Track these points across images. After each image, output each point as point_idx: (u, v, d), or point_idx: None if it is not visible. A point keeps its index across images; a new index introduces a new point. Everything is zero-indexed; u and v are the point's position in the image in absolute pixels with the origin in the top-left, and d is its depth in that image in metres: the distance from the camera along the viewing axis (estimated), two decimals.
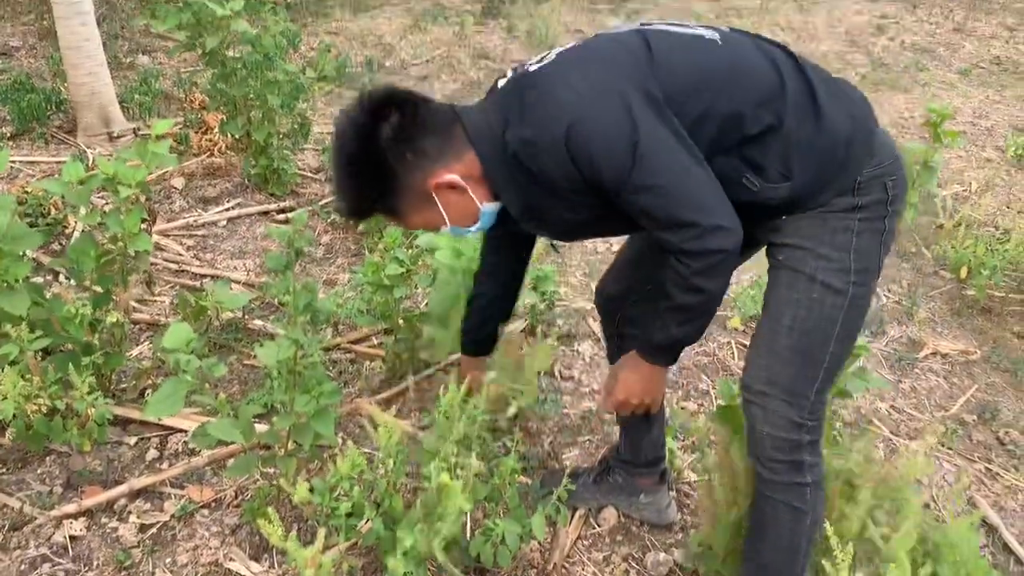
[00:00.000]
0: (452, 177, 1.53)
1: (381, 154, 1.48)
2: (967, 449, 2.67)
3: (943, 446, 2.66)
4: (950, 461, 2.61)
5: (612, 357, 2.13)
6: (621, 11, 7.48)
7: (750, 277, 3.34)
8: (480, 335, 2.10)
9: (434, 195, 1.55)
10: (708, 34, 1.60)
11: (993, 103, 6.07)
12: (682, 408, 2.74)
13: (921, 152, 3.64)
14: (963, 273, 3.57)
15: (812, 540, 1.70)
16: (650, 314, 1.71)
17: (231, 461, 2.25)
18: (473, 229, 1.66)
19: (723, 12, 7.93)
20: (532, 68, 1.55)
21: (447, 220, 1.60)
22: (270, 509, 1.69)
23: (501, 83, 1.62)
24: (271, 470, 2.07)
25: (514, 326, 3.01)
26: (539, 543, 2.14)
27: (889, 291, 3.52)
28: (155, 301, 2.92)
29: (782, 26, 7.72)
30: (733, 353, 3.03)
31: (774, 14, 8.07)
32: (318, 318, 1.86)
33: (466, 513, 1.96)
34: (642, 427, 2.15)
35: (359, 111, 1.50)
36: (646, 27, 1.60)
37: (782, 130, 1.54)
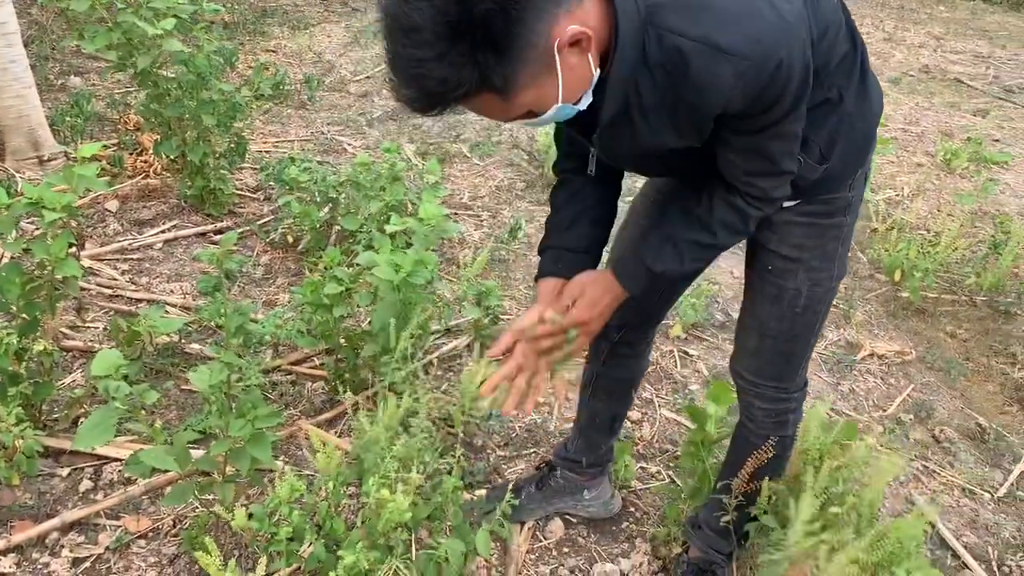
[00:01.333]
0: (579, 28, 1.15)
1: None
2: (904, 448, 2.73)
3: (882, 446, 2.71)
4: (891, 461, 2.66)
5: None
6: None
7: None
8: (563, 242, 1.66)
9: (556, 55, 1.15)
10: None
11: (923, 110, 6.25)
12: (627, 419, 2.74)
13: None
14: (897, 276, 3.66)
15: (778, 468, 1.89)
16: (645, 240, 1.57)
17: (169, 489, 2.19)
18: (582, 105, 1.29)
19: None
20: None
21: (560, 93, 1.21)
22: (208, 538, 1.65)
23: None
24: (210, 497, 2.02)
25: (457, 342, 3.00)
26: (485, 560, 2.13)
27: None
28: (88, 327, 2.84)
29: None
30: (675, 362, 3.06)
31: None
32: (251, 340, 1.82)
33: (410, 532, 1.94)
34: (605, 431, 2.18)
35: None
36: None
37: (841, 105, 1.48)
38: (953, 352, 3.29)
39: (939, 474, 2.64)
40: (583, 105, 1.28)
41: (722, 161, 1.44)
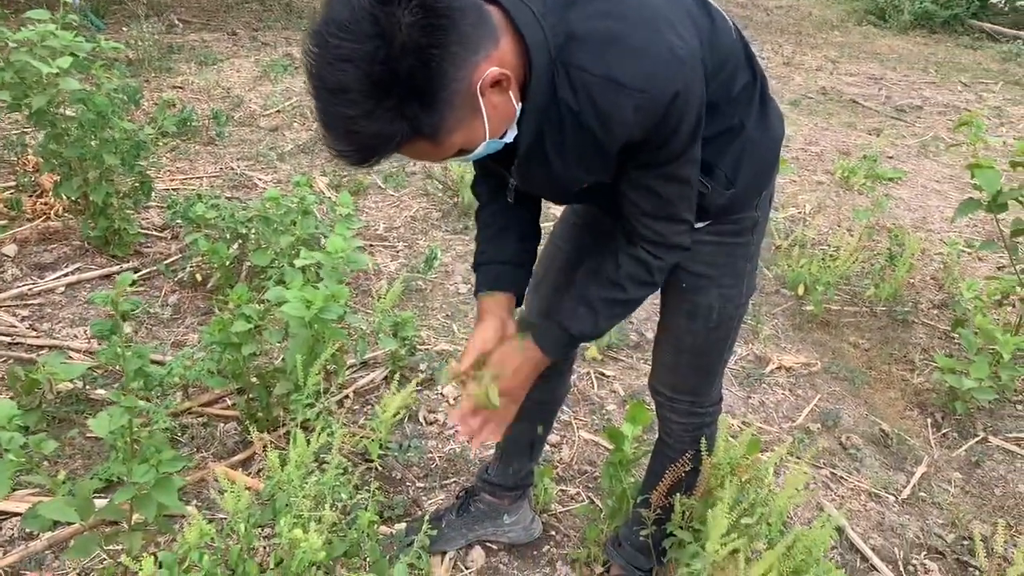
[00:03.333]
0: (499, 70, 1.19)
1: (412, 51, 1.07)
2: (813, 456, 2.82)
3: (791, 455, 2.80)
4: (798, 469, 2.75)
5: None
6: None
7: None
8: (496, 255, 1.70)
9: (479, 98, 1.20)
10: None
11: (822, 130, 6.52)
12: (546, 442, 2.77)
13: None
14: (801, 290, 3.79)
15: (694, 483, 1.92)
16: (561, 301, 1.63)
17: (72, 542, 2.11)
18: (508, 138, 1.34)
19: None
20: None
21: (487, 131, 1.26)
22: None
23: None
24: (117, 547, 1.96)
25: (374, 375, 2.98)
26: None
27: None
28: None
29: None
30: (592, 383, 3.10)
31: None
32: (152, 383, 1.78)
33: (327, 570, 1.91)
34: (525, 454, 2.20)
35: (357, 3, 1.06)
36: None
37: (744, 132, 1.53)
38: (856, 361, 3.42)
39: (846, 480, 2.73)
40: (509, 138, 1.34)
41: (624, 204, 1.49)
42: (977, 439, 3.00)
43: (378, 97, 1.10)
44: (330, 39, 1.08)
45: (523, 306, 1.90)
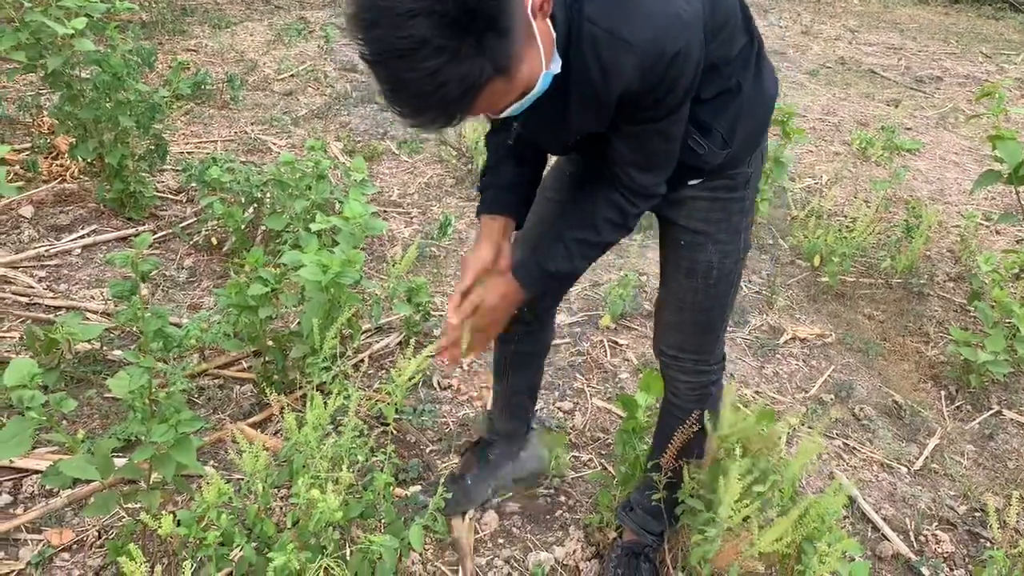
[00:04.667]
0: None
1: None
2: (826, 427, 2.82)
3: (804, 425, 2.80)
4: (811, 439, 2.75)
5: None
6: None
7: (618, 276, 3.43)
8: (496, 180, 1.75)
9: (532, 22, 1.22)
10: None
11: (839, 100, 6.44)
12: (558, 408, 2.78)
13: (773, 149, 3.83)
14: (816, 261, 3.77)
15: (702, 443, 1.94)
16: (543, 241, 1.70)
17: (92, 499, 2.14)
18: (555, 68, 1.33)
19: None
20: None
21: (543, 60, 1.28)
22: (133, 546, 1.62)
23: None
24: (135, 505, 1.98)
25: (388, 340, 2.99)
26: (419, 555, 2.13)
27: (750, 281, 3.68)
28: (3, 338, 2.75)
29: None
30: (605, 351, 3.10)
31: None
32: (171, 344, 1.79)
33: (342, 531, 1.94)
34: (525, 401, 2.30)
35: None
36: None
37: (740, 94, 1.58)
38: (871, 333, 3.41)
39: (859, 451, 2.74)
40: (556, 68, 1.33)
41: (611, 151, 1.54)
42: (991, 412, 3.00)
43: (460, 35, 1.09)
44: (383, 4, 1.07)
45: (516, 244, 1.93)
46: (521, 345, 2.13)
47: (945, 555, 2.37)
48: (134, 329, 2.84)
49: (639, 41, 1.30)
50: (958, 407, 3.02)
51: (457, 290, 1.69)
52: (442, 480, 2.11)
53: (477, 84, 1.14)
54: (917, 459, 2.73)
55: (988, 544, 2.41)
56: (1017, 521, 2.40)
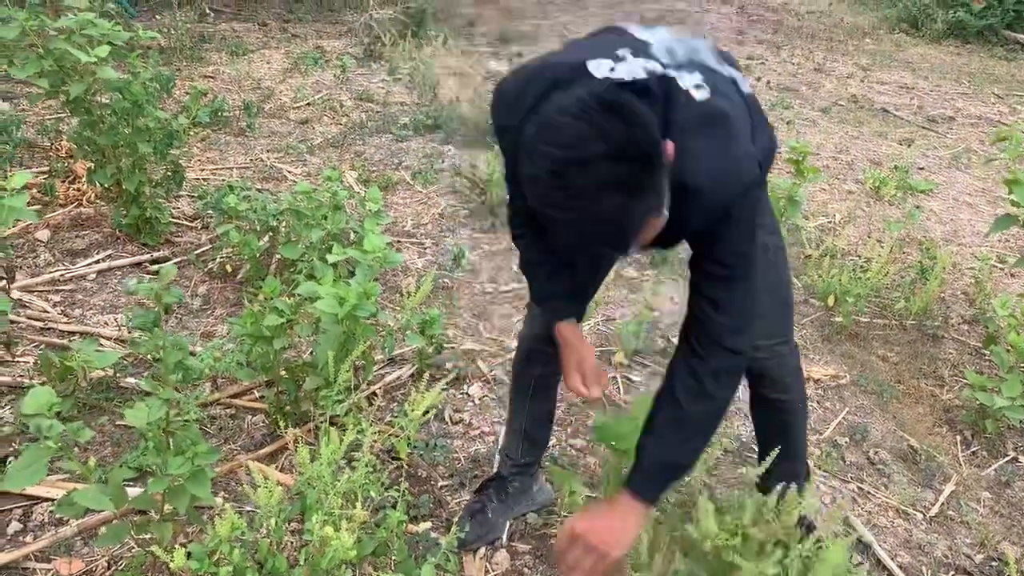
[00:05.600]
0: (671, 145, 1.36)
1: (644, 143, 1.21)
2: (841, 471, 2.79)
3: (820, 469, 2.77)
4: (826, 483, 2.73)
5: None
6: (503, 54, 7.63)
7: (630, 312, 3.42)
8: (557, 290, 1.86)
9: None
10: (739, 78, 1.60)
11: (852, 138, 6.46)
12: (569, 445, 2.76)
13: (787, 187, 3.84)
14: (831, 301, 3.76)
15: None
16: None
17: (103, 529, 2.13)
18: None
19: None
20: (699, 97, 1.43)
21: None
22: None
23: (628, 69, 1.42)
24: (147, 536, 1.97)
25: (400, 372, 2.98)
26: None
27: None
28: (17, 362, 2.75)
29: None
30: (619, 388, 3.09)
31: None
32: (190, 376, 1.79)
33: (354, 567, 1.92)
34: (544, 426, 2.35)
35: (630, 109, 1.20)
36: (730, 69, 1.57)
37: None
38: (885, 375, 3.39)
39: (874, 495, 2.71)
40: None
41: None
42: (1007, 459, 2.96)
43: (645, 192, 1.23)
44: (572, 176, 1.18)
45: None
46: (546, 367, 2.15)
47: None
48: (146, 356, 2.84)
49: (709, 180, 1.41)
50: (974, 452, 2.99)
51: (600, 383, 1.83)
52: (458, 516, 2.10)
53: (646, 219, 1.27)
54: (933, 505, 2.70)
55: None
56: None
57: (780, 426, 2.15)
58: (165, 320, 3.11)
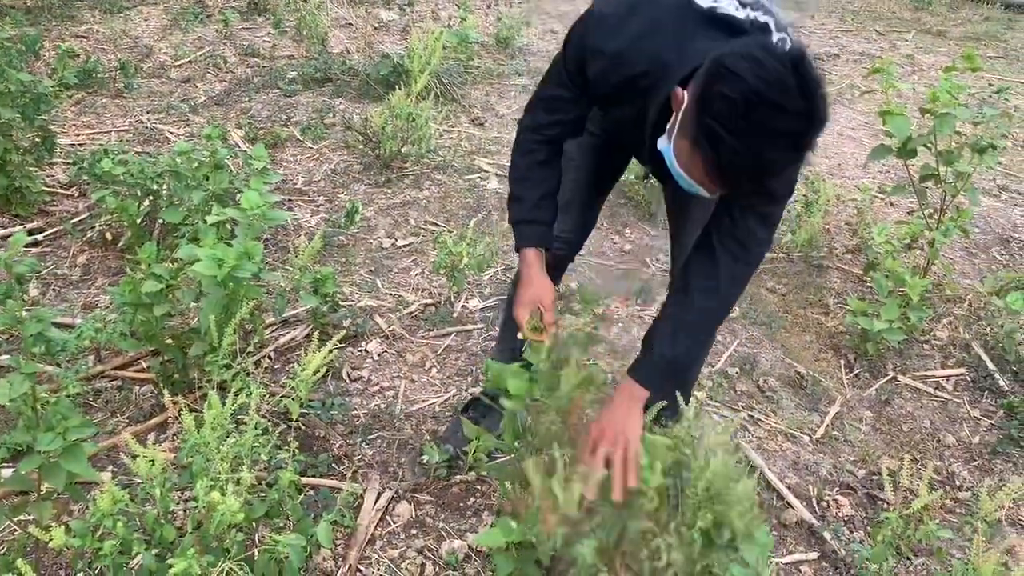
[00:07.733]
0: None
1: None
2: (731, 400, 2.90)
3: (711, 399, 2.86)
4: (718, 412, 2.82)
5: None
6: (394, 2, 7.44)
7: None
8: (540, 216, 1.90)
9: None
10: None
11: None
12: (469, 395, 2.77)
13: None
14: None
15: None
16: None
17: None
18: None
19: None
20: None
21: None
22: (22, 561, 1.55)
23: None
24: (28, 517, 1.90)
25: (295, 333, 2.93)
26: (331, 551, 2.10)
27: (658, 260, 3.74)
28: None
29: None
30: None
31: None
32: (54, 348, 1.71)
33: (248, 531, 1.89)
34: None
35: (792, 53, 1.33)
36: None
37: None
38: (774, 306, 3.51)
39: (763, 422, 2.82)
40: None
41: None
42: (887, 378, 3.12)
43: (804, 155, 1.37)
44: (762, 114, 1.29)
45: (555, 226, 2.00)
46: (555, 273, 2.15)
47: (845, 519, 2.47)
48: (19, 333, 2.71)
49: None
50: (856, 375, 3.14)
51: (550, 324, 1.80)
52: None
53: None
54: (819, 427, 2.83)
55: (885, 505, 2.51)
56: (911, 482, 2.51)
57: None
58: (42, 293, 2.97)
